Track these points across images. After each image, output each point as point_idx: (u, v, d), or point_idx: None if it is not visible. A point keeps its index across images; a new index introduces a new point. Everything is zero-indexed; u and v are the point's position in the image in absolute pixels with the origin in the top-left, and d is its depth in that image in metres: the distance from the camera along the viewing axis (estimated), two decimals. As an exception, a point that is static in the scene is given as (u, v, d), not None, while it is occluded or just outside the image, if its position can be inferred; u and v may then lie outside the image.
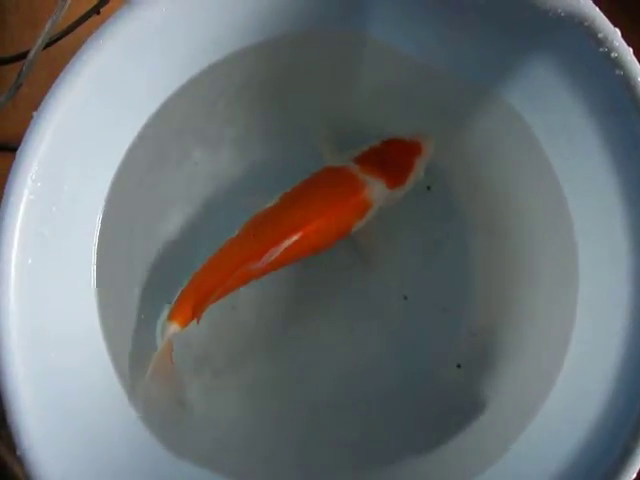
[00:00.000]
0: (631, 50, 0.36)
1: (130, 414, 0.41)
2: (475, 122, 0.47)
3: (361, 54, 0.46)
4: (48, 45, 0.49)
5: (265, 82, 0.48)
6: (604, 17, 0.35)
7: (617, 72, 0.35)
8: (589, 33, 0.35)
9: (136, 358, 0.43)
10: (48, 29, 0.46)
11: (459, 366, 0.49)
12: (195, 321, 0.42)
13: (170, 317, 0.42)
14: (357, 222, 0.45)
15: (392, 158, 0.46)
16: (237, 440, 0.46)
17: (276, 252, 0.41)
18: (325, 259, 0.49)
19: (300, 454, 0.46)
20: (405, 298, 0.51)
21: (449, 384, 0.49)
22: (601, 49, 0.35)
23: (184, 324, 0.42)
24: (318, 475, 0.45)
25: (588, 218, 0.42)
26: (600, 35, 0.35)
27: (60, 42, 0.51)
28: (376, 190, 0.45)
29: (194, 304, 0.41)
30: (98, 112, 0.38)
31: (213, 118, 0.49)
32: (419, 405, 0.49)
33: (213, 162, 0.50)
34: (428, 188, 0.51)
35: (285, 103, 0.50)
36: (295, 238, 0.42)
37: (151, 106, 0.43)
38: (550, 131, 0.43)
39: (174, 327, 0.41)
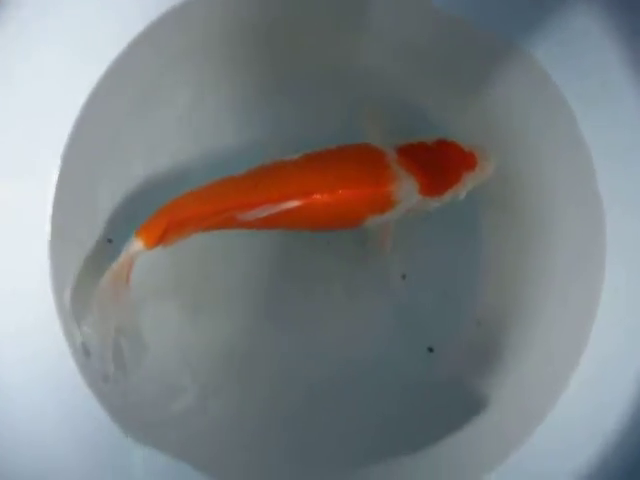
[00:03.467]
0: None
1: (85, 392, 0.37)
2: (497, 82, 0.42)
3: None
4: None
5: (258, 25, 0.43)
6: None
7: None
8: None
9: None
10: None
11: (460, 357, 0.45)
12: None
13: (138, 233, 0.38)
14: (372, 216, 0.41)
15: (439, 161, 0.41)
16: (220, 428, 0.43)
17: (270, 210, 0.38)
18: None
19: (291, 445, 0.43)
20: (404, 277, 0.46)
21: (449, 376, 0.45)
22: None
23: (151, 244, 0.38)
24: (310, 471, 0.42)
25: (621, 199, 0.38)
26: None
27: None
28: (405, 189, 0.40)
29: (167, 225, 0.38)
30: (59, 49, 0.36)
31: (194, 63, 0.44)
32: (416, 397, 0.45)
33: (187, 114, 0.45)
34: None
35: (282, 51, 0.45)
36: (296, 204, 0.38)
37: (121, 43, 0.38)
38: (584, 94, 0.38)
39: (139, 244, 0.38)
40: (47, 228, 0.37)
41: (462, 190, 0.42)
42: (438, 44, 0.42)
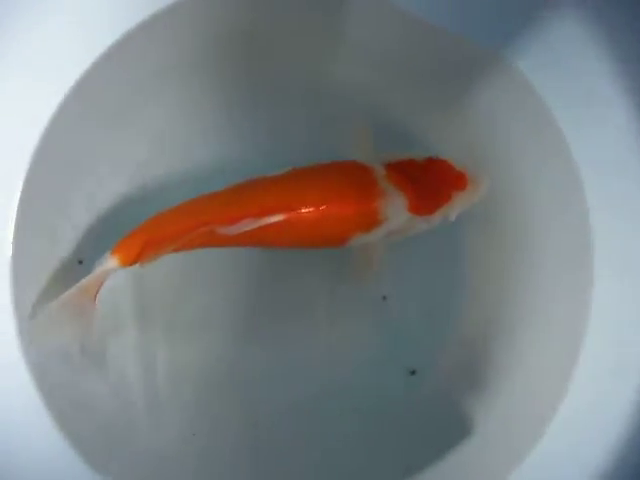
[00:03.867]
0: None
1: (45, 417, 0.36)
2: (479, 93, 0.41)
3: (349, 6, 0.40)
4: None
5: (230, 40, 0.42)
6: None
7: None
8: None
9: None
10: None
11: (444, 380, 0.43)
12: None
13: (113, 251, 0.37)
14: (358, 234, 0.39)
15: (429, 179, 0.40)
16: (192, 456, 0.41)
17: (252, 224, 0.37)
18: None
19: (266, 471, 0.42)
20: (384, 299, 0.45)
21: (432, 400, 0.43)
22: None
23: (127, 262, 0.37)
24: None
25: (609, 213, 0.37)
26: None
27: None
28: (394, 206, 0.39)
29: (144, 243, 0.37)
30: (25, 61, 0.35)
31: (165, 79, 0.43)
32: (398, 423, 0.43)
33: (159, 131, 0.44)
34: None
35: (257, 66, 0.44)
36: (278, 219, 0.37)
37: (88, 59, 0.37)
38: (569, 104, 0.37)
39: (113, 262, 0.37)
40: (8, 252, 0.36)
41: (452, 211, 0.40)
42: (418, 55, 0.41)
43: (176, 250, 0.37)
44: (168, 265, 0.39)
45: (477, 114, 0.42)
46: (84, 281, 0.37)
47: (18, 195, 0.36)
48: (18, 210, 0.36)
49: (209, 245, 0.38)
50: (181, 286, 0.44)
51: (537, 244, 0.41)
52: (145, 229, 0.37)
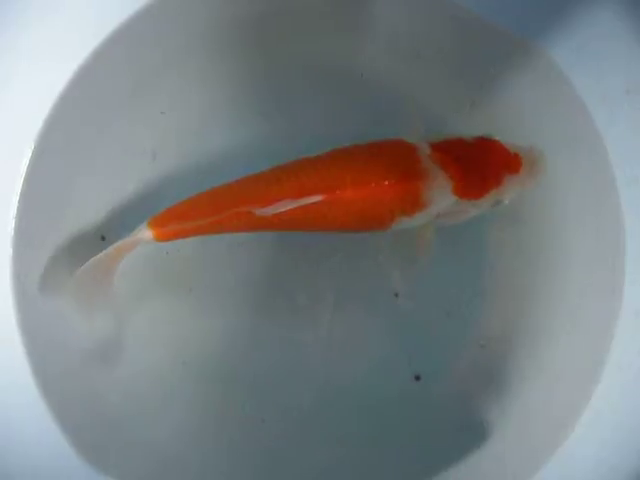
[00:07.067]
0: None
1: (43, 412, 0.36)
2: (510, 83, 0.40)
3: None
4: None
5: (249, 21, 0.41)
6: None
7: None
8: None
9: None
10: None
11: (457, 385, 0.42)
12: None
13: (150, 223, 0.37)
14: (400, 218, 0.38)
15: (478, 160, 0.38)
16: (185, 455, 0.40)
17: (291, 205, 0.36)
18: (304, 238, 0.42)
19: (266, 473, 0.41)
20: (396, 296, 0.43)
21: (447, 403, 0.42)
22: None
23: (160, 237, 0.37)
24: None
25: None
26: None
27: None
28: (438, 188, 0.37)
29: (180, 221, 0.37)
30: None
31: (183, 61, 0.42)
32: (409, 427, 0.42)
33: (176, 113, 0.43)
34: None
35: (275, 48, 0.43)
36: (317, 199, 0.36)
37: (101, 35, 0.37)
38: (607, 100, 0.36)
39: (148, 234, 0.37)
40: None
41: (504, 195, 0.39)
42: (447, 40, 0.41)
43: (212, 232, 0.37)
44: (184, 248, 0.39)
45: (507, 104, 0.41)
46: (116, 245, 0.37)
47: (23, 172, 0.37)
48: (22, 187, 0.37)
49: (247, 229, 0.38)
50: (196, 272, 0.43)
51: (565, 246, 0.40)
52: (184, 207, 0.37)
